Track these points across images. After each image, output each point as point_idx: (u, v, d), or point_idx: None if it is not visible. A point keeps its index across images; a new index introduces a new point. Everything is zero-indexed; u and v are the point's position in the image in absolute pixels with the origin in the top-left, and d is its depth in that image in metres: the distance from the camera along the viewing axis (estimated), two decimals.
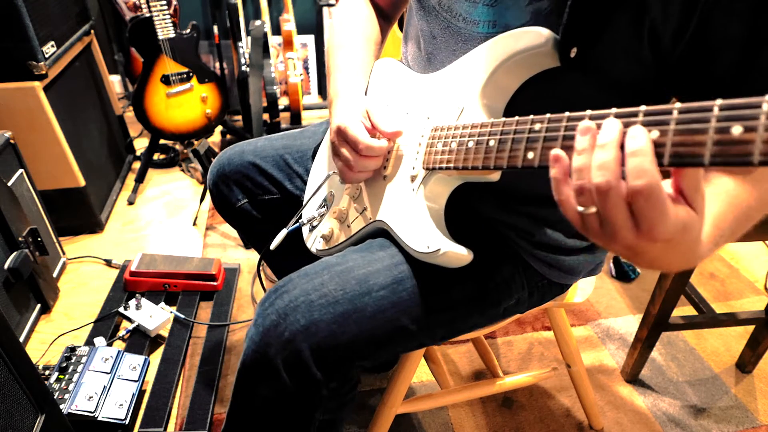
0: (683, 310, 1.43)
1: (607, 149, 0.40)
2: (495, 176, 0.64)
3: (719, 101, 0.35)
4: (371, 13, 0.92)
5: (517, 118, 0.53)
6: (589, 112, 0.45)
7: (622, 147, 0.40)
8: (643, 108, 0.40)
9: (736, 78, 0.54)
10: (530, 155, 0.50)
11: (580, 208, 0.43)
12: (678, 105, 0.38)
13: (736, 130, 0.34)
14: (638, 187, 0.37)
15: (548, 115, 0.49)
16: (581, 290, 1.00)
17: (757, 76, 0.53)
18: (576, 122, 0.45)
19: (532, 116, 0.51)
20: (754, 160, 0.33)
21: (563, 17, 0.56)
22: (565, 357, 1.12)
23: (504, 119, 0.55)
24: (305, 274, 0.72)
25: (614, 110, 0.42)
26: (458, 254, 0.63)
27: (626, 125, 0.40)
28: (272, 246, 0.85)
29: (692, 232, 0.42)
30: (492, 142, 0.55)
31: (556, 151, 0.43)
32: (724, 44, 0.53)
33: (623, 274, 1.69)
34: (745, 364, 1.36)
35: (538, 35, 0.58)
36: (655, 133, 0.38)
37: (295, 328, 0.66)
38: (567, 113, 0.47)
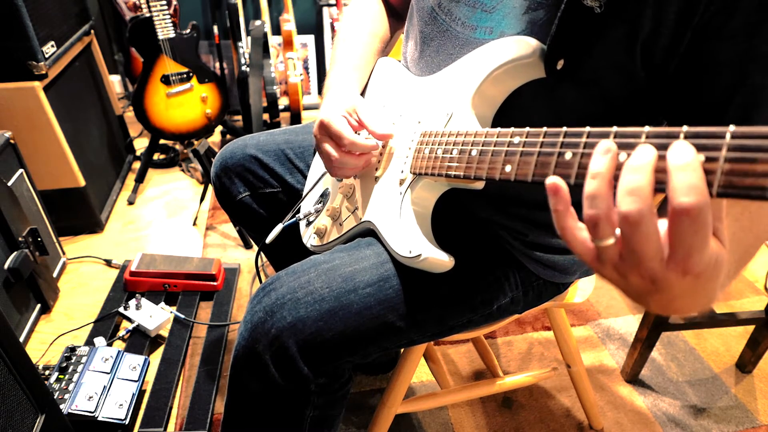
0: None
1: (640, 173, 0.35)
2: (479, 185, 0.64)
3: (685, 128, 0.34)
4: (381, 9, 0.92)
5: (499, 129, 0.52)
6: (564, 129, 0.43)
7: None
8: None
9: (725, 97, 0.53)
10: (508, 168, 0.49)
11: (596, 242, 0.38)
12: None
13: (698, 158, 0.33)
14: (687, 206, 0.32)
15: (527, 129, 0.48)
16: (581, 290, 1.00)
17: (745, 96, 0.52)
18: (554, 138, 0.44)
19: (512, 128, 0.50)
20: (713, 192, 0.33)
21: (552, 28, 0.56)
22: (565, 357, 1.12)
23: (487, 129, 0.54)
24: (293, 272, 0.73)
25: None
26: (439, 260, 0.63)
27: (659, 146, 0.36)
28: (268, 240, 0.86)
29: (722, 267, 0.39)
30: (474, 152, 0.55)
31: (554, 180, 0.38)
32: (716, 64, 0.52)
33: None
34: (745, 364, 1.36)
35: (526, 45, 0.58)
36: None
37: (281, 325, 0.68)
38: (545, 128, 0.45)
